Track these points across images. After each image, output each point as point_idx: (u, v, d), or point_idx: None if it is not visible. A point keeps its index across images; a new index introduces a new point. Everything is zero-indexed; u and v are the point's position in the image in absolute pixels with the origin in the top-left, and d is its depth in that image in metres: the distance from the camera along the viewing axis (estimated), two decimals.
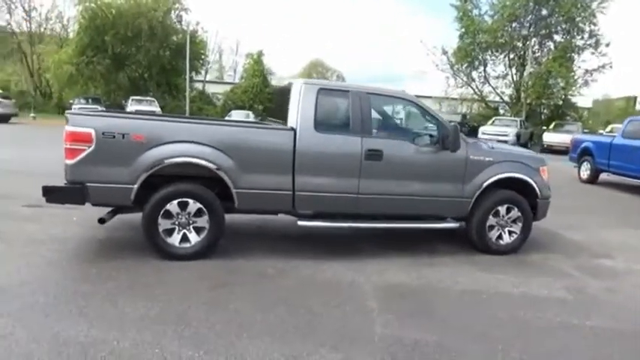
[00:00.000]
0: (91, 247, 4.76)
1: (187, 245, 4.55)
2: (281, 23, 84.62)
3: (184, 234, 4.55)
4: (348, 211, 4.97)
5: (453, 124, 5.03)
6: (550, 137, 24.20)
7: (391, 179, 4.97)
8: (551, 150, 23.05)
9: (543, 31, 31.28)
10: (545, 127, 26.84)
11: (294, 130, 4.73)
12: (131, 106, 26.68)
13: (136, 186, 4.36)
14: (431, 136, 5.20)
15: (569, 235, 6.58)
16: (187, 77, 31.23)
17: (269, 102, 34.09)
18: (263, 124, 5.56)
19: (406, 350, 3.04)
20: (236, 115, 26.50)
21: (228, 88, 37.46)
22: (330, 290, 4.02)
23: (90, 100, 28.28)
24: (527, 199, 5.45)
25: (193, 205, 4.51)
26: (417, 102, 5.23)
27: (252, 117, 25.63)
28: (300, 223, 4.84)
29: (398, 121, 5.65)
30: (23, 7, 36.47)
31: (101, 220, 4.51)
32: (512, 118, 27.58)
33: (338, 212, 4.97)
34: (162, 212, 4.45)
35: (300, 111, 4.80)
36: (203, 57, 36.67)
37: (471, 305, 3.88)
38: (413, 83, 65.45)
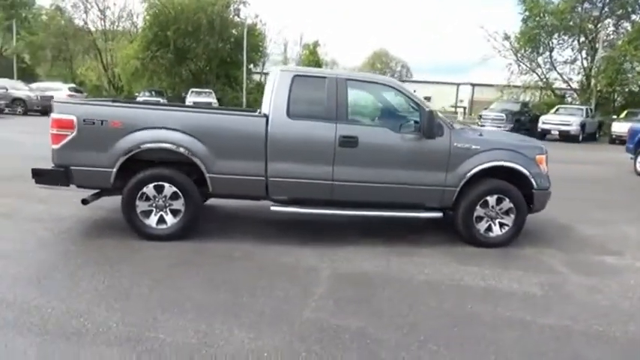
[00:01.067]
0: (82, 227, 5.12)
1: (164, 226, 4.78)
2: (346, 13, 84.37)
3: (161, 216, 4.78)
4: (323, 198, 4.97)
5: (428, 109, 4.84)
6: (619, 127, 22.24)
7: (367, 166, 4.90)
8: (621, 141, 21.23)
9: (620, 11, 28.76)
10: (615, 117, 24.77)
11: (266, 116, 4.79)
12: (190, 98, 27.96)
13: (114, 170, 4.63)
14: (415, 122, 5.04)
15: (584, 229, 6.14)
16: (244, 69, 32.10)
17: None
18: (236, 111, 5.67)
19: (320, 335, 3.04)
20: None
21: None
22: (285, 275, 4.07)
23: (153, 93, 29.96)
24: (522, 189, 5.15)
25: (169, 189, 4.72)
26: (399, 88, 5.09)
27: None
28: (272, 208, 4.92)
29: (378, 108, 5.49)
30: (98, 7, 39.23)
31: (84, 201, 4.84)
32: (578, 106, 25.70)
33: (312, 199, 4.98)
34: (139, 195, 4.70)
35: (273, 98, 4.85)
36: (261, 49, 37.44)
37: (420, 296, 3.77)
38: (480, 71, 62.88)
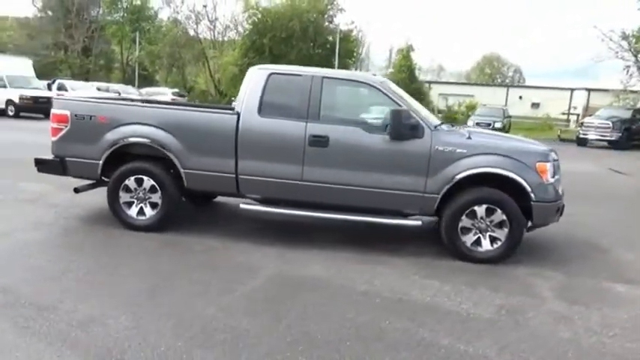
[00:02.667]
0: (83, 214, 5.56)
1: (143, 218, 5.02)
2: (454, 18, 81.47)
3: (141, 207, 5.03)
4: (292, 198, 4.85)
5: (394, 108, 4.49)
6: None
7: (338, 167, 4.69)
8: None
9: None
10: None
11: (238, 114, 4.81)
12: None
13: (101, 162, 4.98)
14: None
15: (615, 252, 5.26)
16: None
17: (417, 98, 33.40)
18: (211, 108, 5.73)
19: (198, 331, 2.97)
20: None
21: None
22: (223, 271, 4.05)
23: None
24: (520, 201, 4.56)
25: (148, 182, 4.96)
26: (379, 86, 4.78)
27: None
28: (241, 206, 4.91)
29: (353, 107, 5.20)
30: (208, 18, 42.41)
31: (76, 190, 5.25)
32: None
33: (282, 198, 4.89)
34: (122, 186, 4.99)
35: (246, 95, 4.88)
36: (355, 55, 37.60)
37: (344, 305, 3.49)
38: (604, 74, 56.78)
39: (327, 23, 34.50)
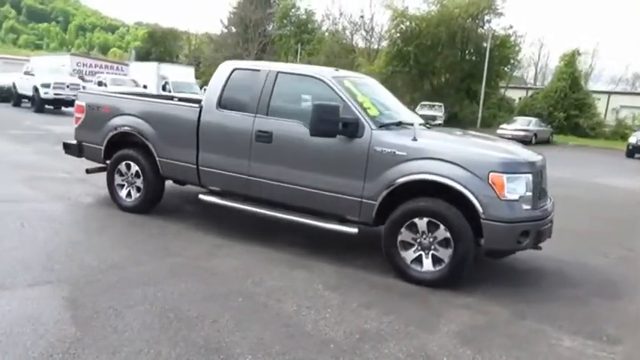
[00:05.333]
0: (97, 194, 6.25)
1: (130, 200, 5.55)
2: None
3: (129, 190, 5.57)
4: (242, 193, 4.85)
5: (316, 102, 4.11)
6: None
7: (280, 164, 4.54)
8: None
9: None
10: None
11: (201, 107, 5.00)
12: (420, 111, 28.45)
13: (103, 147, 5.66)
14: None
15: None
16: (483, 83, 30.39)
17: (575, 109, 29.37)
18: (182, 100, 5.90)
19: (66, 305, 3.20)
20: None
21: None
22: (163, 258, 4.18)
23: None
24: (471, 217, 3.85)
25: (134, 167, 5.47)
26: (327, 81, 4.48)
27: None
28: (200, 197, 5.08)
29: (301, 102, 4.83)
30: (364, 28, 43.62)
31: (87, 171, 6.01)
32: None
33: (234, 192, 4.92)
34: (116, 170, 5.60)
35: (210, 89, 5.04)
36: (512, 62, 34.63)
37: (216, 310, 3.34)
38: None
39: (479, 28, 32.51)
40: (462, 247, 3.84)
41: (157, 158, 5.25)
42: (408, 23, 32.60)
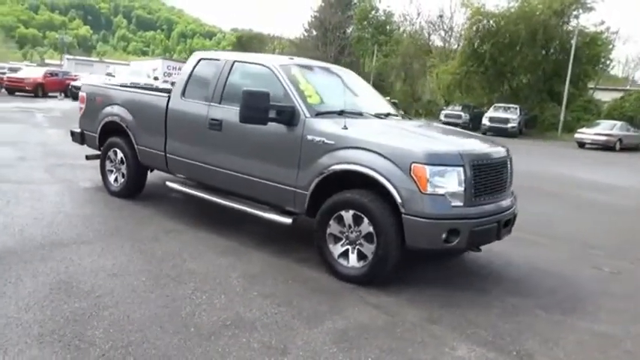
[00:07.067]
0: (98, 179, 6.63)
1: (116, 184, 5.87)
2: None
3: (116, 176, 5.89)
4: (201, 181, 4.92)
5: (245, 89, 4.01)
6: None
7: (228, 153, 4.56)
8: None
9: None
10: None
11: (169, 95, 5.16)
12: (493, 113, 27.05)
13: (97, 135, 6.04)
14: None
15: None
16: (567, 84, 27.99)
17: None
18: (156, 89, 6.00)
19: None
20: None
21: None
22: (105, 237, 4.37)
23: (461, 107, 30.34)
24: (395, 210, 3.59)
25: (119, 155, 5.78)
26: (273, 69, 4.39)
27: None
28: (167, 183, 5.23)
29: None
30: (443, 28, 42.19)
31: (87, 157, 6.43)
32: None
33: (195, 180, 5.00)
34: (106, 157, 5.95)
35: (178, 79, 5.19)
36: (603, 61, 31.53)
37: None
38: None
39: (565, 25, 30.03)
40: (384, 242, 3.58)
41: (136, 146, 5.50)
42: (485, 21, 30.98)
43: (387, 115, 4.77)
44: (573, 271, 4.55)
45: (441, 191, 3.48)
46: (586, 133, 21.42)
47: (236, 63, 4.74)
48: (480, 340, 3.04)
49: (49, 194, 5.69)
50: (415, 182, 3.46)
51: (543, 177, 11.11)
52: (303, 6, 71.88)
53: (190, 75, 5.05)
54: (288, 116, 4.06)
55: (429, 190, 3.45)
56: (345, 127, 3.86)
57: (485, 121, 26.53)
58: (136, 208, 5.39)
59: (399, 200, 3.49)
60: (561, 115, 28.43)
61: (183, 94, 5.02)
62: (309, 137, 3.96)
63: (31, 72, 25.94)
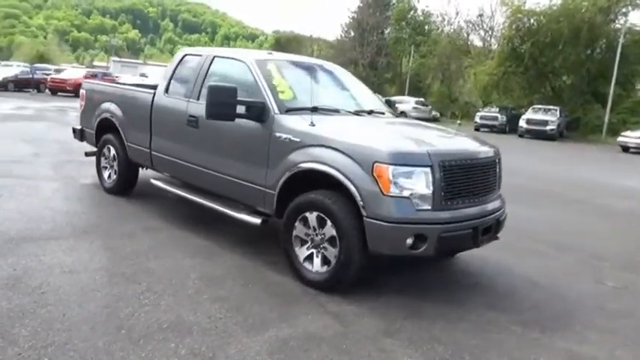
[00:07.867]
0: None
1: (109, 181, 5.89)
2: None
3: (110, 173, 5.91)
4: (183, 179, 4.84)
5: (211, 84, 3.85)
6: None
7: (204, 150, 4.45)
8: None
9: None
10: None
11: (154, 92, 5.10)
12: (532, 115, 26.00)
13: (94, 131, 6.09)
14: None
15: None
16: (612, 85, 26.51)
17: None
18: (144, 86, 5.93)
19: None
20: None
21: None
22: (79, 234, 4.33)
23: (498, 109, 29.32)
24: (358, 212, 3.36)
25: (112, 151, 5.79)
26: (249, 64, 4.24)
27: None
28: (151, 180, 5.18)
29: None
30: (483, 27, 40.95)
31: (86, 154, 6.48)
32: None
33: (177, 178, 4.92)
34: (101, 153, 5.99)
35: (163, 75, 5.11)
36: None
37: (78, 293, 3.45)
38: None
39: (611, 23, 28.46)
40: (346, 247, 3.35)
41: (126, 143, 5.49)
42: (525, 19, 29.80)
43: (370, 112, 4.52)
44: (569, 285, 4.15)
45: (405, 193, 3.22)
46: (630, 137, 20.13)
47: (216, 58, 4.63)
48: (434, 357, 2.77)
49: (44, 190, 5.76)
50: (377, 183, 3.22)
51: (570, 182, 10.47)
52: (343, 7, 71.49)
53: (174, 71, 4.98)
54: (258, 112, 3.89)
55: (393, 191, 3.20)
56: (312, 124, 3.65)
57: (522, 123, 25.51)
58: (124, 205, 5.37)
59: (360, 202, 3.26)
60: (605, 117, 26.94)
61: (166, 90, 4.96)
62: (277, 134, 3.79)
63: (73, 73, 27.10)
